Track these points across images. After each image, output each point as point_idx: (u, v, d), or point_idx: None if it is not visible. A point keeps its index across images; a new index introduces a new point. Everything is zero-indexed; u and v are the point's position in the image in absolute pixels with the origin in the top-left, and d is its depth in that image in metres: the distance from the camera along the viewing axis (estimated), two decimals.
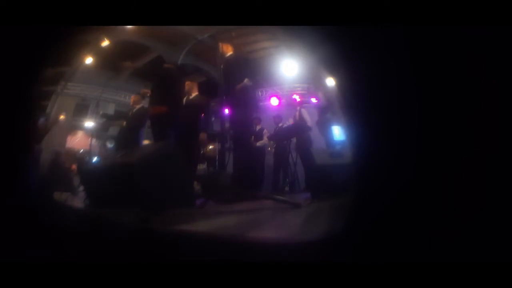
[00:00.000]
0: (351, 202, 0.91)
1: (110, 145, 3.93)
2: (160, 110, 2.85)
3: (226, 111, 3.29)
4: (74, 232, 1.03)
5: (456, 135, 0.78)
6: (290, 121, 3.87)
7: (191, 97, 3.06)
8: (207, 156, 3.87)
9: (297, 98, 4.01)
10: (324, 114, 3.32)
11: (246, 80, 2.75)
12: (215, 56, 2.66)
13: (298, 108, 3.76)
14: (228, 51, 2.79)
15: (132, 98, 3.47)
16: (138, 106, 3.39)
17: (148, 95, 3.23)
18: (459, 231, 0.74)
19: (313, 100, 3.92)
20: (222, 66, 2.69)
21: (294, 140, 3.57)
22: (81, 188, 2.42)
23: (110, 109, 4.15)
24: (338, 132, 3.25)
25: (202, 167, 3.85)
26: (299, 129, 3.48)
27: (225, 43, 2.79)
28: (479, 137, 0.76)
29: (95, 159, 3.56)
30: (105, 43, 3.42)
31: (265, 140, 4.02)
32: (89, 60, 3.64)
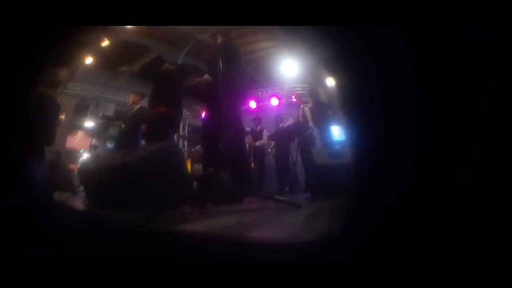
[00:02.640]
0: (351, 202, 0.91)
1: (110, 145, 3.92)
2: (160, 110, 2.85)
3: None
4: (74, 232, 1.02)
5: (456, 135, 0.78)
6: (290, 121, 3.86)
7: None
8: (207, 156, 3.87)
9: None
10: (324, 114, 3.32)
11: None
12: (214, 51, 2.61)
13: (301, 106, 3.76)
14: (220, 39, 2.73)
15: (131, 98, 3.47)
16: (137, 106, 3.39)
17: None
18: (459, 231, 0.74)
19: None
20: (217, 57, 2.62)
21: (294, 140, 3.56)
22: (81, 188, 2.42)
23: (110, 109, 4.15)
24: (338, 132, 3.24)
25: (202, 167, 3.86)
26: (299, 129, 3.48)
27: (221, 35, 2.73)
28: (479, 137, 0.76)
29: (95, 159, 3.56)
30: (105, 43, 3.41)
31: (264, 139, 4.01)
32: (89, 60, 3.64)
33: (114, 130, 3.86)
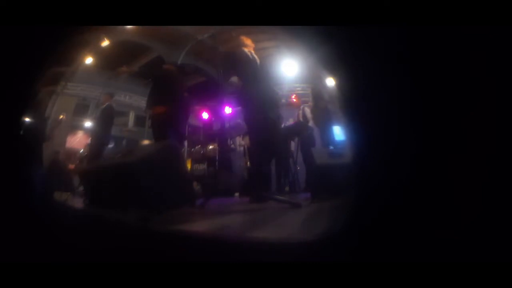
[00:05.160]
0: (350, 202, 0.91)
1: (110, 145, 3.93)
2: (160, 110, 2.85)
3: (228, 110, 3.31)
4: (74, 232, 1.02)
5: (456, 135, 0.78)
6: (291, 121, 3.86)
7: None
8: (207, 156, 3.88)
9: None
10: (324, 114, 3.32)
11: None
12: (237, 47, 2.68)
13: (301, 107, 3.76)
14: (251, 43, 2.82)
15: (102, 97, 3.56)
16: (104, 105, 3.46)
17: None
18: (459, 231, 0.74)
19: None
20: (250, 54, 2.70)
21: (294, 140, 3.57)
22: (81, 188, 2.42)
23: None
24: (338, 132, 3.24)
25: (202, 167, 3.86)
26: (299, 129, 3.48)
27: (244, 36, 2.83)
28: (479, 137, 0.76)
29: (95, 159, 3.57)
30: (105, 43, 3.41)
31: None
32: (89, 60, 3.64)
33: (114, 130, 3.86)
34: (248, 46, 2.86)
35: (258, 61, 2.88)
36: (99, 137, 3.32)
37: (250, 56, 2.83)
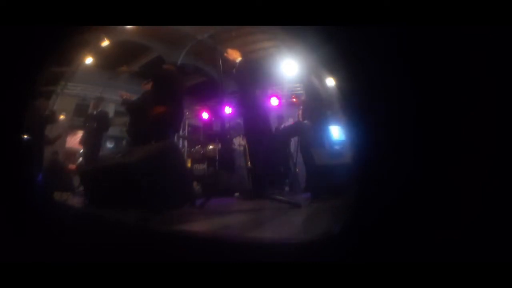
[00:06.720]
0: (351, 202, 0.91)
1: (110, 145, 3.94)
2: (160, 111, 2.85)
3: (228, 110, 3.33)
4: (74, 232, 1.03)
5: (456, 135, 0.78)
6: (291, 121, 3.86)
7: None
8: (207, 156, 3.88)
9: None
10: (324, 114, 3.32)
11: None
12: (223, 62, 2.72)
13: (300, 107, 3.76)
14: (237, 56, 2.85)
15: (94, 103, 3.68)
16: (98, 110, 3.56)
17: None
18: (460, 231, 0.74)
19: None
20: (234, 71, 2.76)
21: (294, 140, 3.57)
22: (81, 188, 2.42)
23: (110, 109, 4.16)
24: (337, 132, 3.24)
25: (202, 167, 3.86)
26: (299, 129, 3.48)
27: (231, 48, 2.86)
28: (480, 137, 0.76)
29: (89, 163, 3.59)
30: (105, 43, 3.42)
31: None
32: (89, 60, 3.65)
33: (114, 130, 3.87)
34: (235, 59, 2.90)
35: (249, 69, 2.91)
36: (92, 143, 3.36)
37: (235, 72, 2.87)
